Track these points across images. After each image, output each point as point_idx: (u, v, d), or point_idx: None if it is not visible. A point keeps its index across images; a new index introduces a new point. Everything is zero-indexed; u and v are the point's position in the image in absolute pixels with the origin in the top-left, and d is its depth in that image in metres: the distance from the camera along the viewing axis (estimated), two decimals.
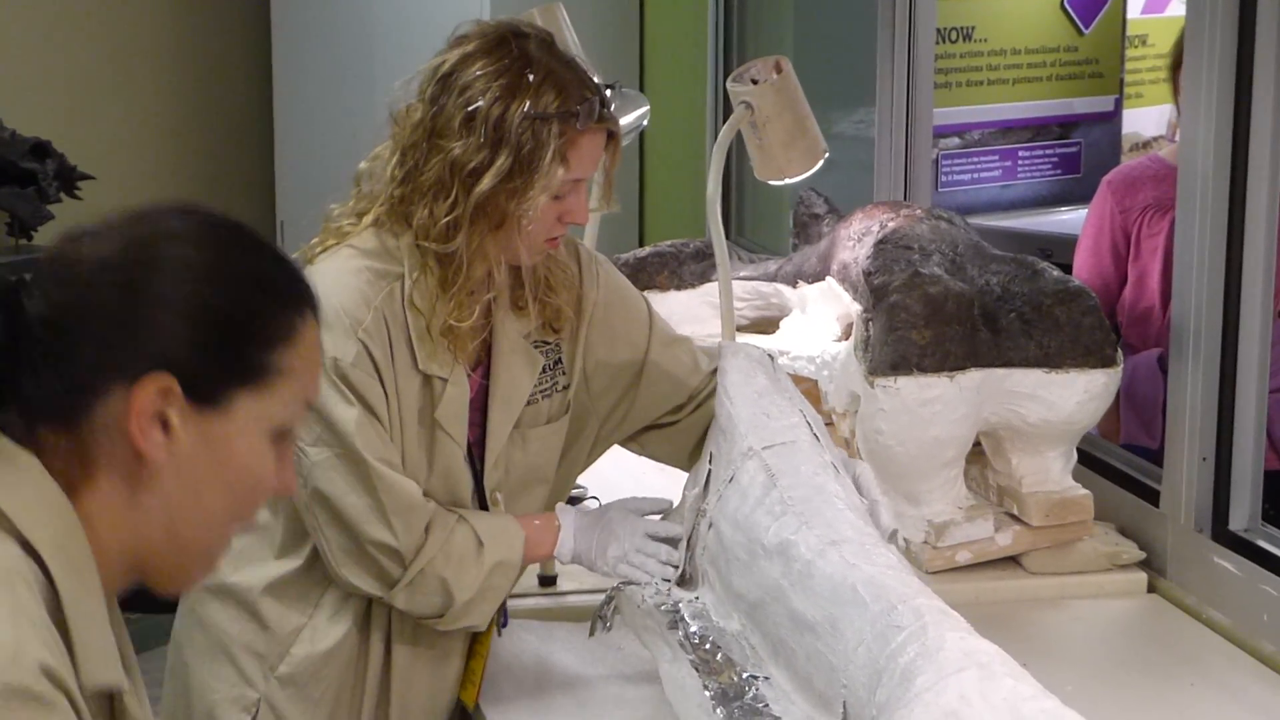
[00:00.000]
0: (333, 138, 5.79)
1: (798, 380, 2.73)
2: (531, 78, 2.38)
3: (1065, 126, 5.42)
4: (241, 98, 6.11)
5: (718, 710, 2.25)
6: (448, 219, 2.47)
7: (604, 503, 2.98)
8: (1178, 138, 3.38)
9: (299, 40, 5.96)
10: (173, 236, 1.49)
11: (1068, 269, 3.55)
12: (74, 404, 1.45)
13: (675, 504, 2.69)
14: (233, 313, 1.48)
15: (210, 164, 6.14)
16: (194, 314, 1.45)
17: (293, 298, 1.55)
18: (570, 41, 3.93)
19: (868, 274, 2.96)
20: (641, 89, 5.01)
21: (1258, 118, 2.73)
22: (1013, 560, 2.94)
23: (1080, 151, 5.45)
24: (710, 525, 2.51)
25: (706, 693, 2.28)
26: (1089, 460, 3.13)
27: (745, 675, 2.30)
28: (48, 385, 1.44)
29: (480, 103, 2.44)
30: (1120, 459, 3.25)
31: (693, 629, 2.40)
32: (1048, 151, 5.40)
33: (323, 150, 5.85)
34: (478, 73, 2.47)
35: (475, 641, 2.59)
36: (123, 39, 5.83)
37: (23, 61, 5.58)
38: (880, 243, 3.04)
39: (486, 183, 2.42)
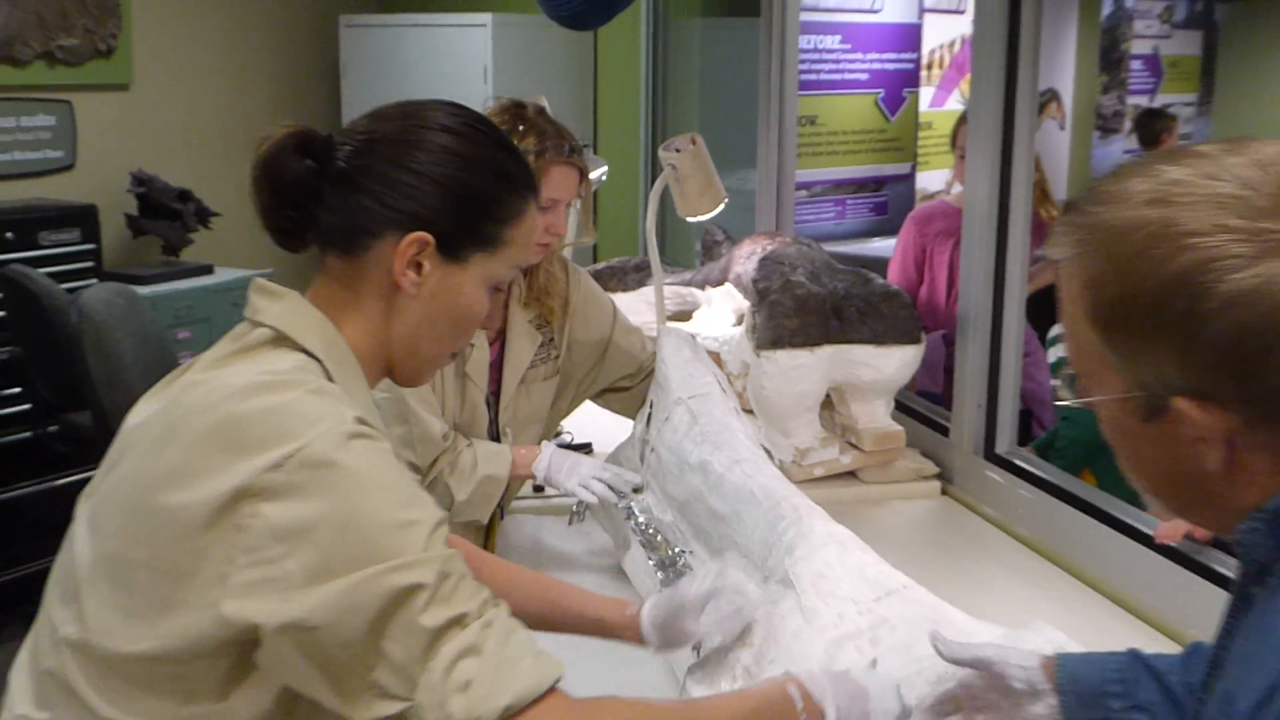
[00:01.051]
0: None
1: (710, 354, 2.79)
2: (522, 128, 2.44)
3: (877, 183, 5.53)
4: None
5: (658, 574, 2.29)
6: None
7: (576, 440, 3.06)
8: (954, 189, 3.46)
9: (360, 102, 5.88)
10: (440, 127, 1.44)
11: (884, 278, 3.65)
12: (355, 240, 1.43)
13: (623, 442, 2.68)
14: (479, 193, 1.44)
15: None
16: (451, 190, 1.42)
17: (523, 187, 1.50)
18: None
19: (755, 281, 3.01)
20: (596, 152, 5.05)
21: (1016, 175, 2.75)
22: (852, 474, 2.99)
23: (888, 200, 5.59)
24: (652, 450, 2.53)
25: (650, 562, 2.33)
26: (902, 406, 3.18)
27: (677, 550, 2.33)
28: (339, 222, 1.42)
29: None
30: (922, 405, 3.29)
31: (641, 520, 2.42)
32: (866, 201, 5.50)
33: None
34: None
35: (487, 530, 2.61)
36: (237, 115, 5.73)
37: (171, 135, 5.50)
38: (763, 260, 3.09)
39: None
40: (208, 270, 5.27)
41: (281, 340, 1.38)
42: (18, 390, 4.49)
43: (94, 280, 4.48)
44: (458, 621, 1.24)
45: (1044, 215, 4.41)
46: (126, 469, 1.35)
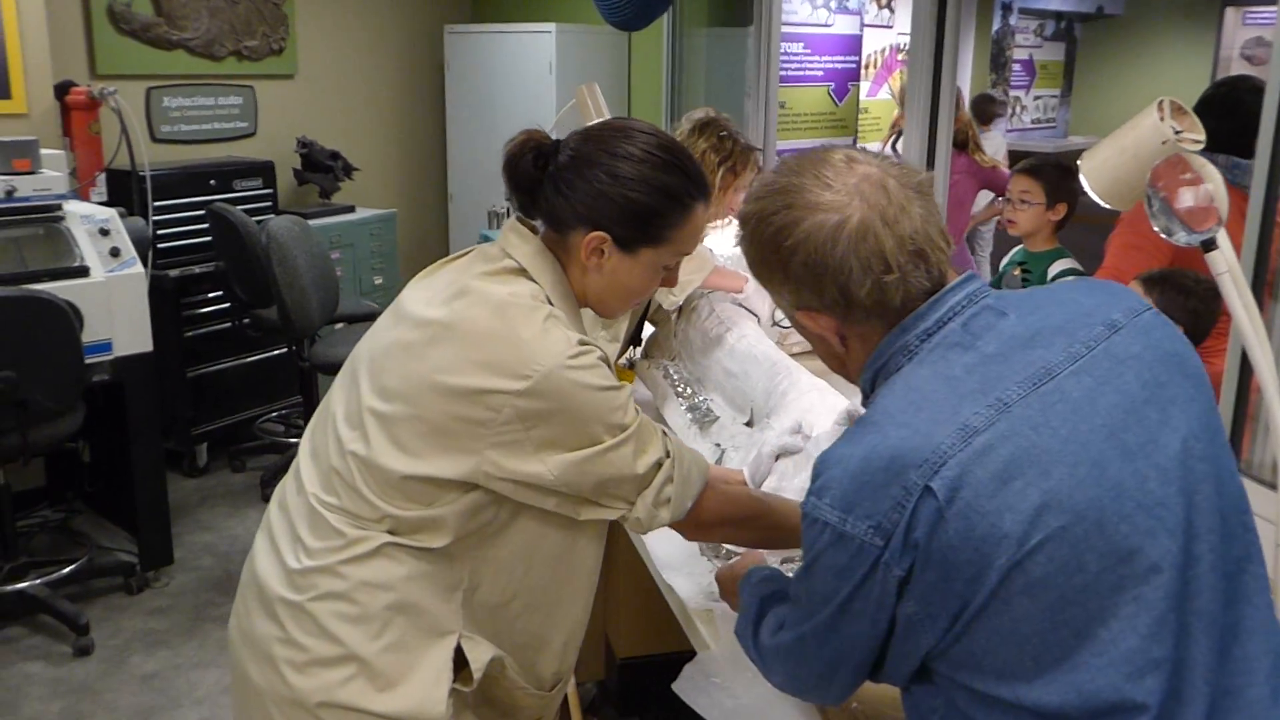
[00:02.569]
0: (477, 145, 5.72)
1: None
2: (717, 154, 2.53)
3: None
4: (430, 123, 6.00)
5: (687, 414, 2.30)
6: None
7: None
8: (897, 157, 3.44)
9: (458, 91, 5.77)
10: (626, 155, 1.36)
11: None
12: (559, 225, 1.39)
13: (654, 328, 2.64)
14: (651, 210, 1.36)
15: (414, 159, 6.00)
16: (627, 209, 1.35)
17: (692, 199, 1.39)
18: (604, 108, 3.90)
19: None
20: None
21: (939, 135, 2.81)
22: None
23: None
24: (682, 330, 2.53)
25: (682, 405, 2.34)
26: None
27: (701, 398, 2.34)
28: (553, 206, 1.38)
29: None
30: None
31: (675, 378, 2.43)
32: None
33: (472, 150, 5.75)
34: None
35: None
36: (370, 97, 5.69)
37: (325, 111, 5.45)
38: None
39: None
40: (351, 209, 5.27)
41: (523, 273, 1.38)
42: (220, 293, 4.54)
43: (272, 215, 4.50)
44: (657, 465, 1.38)
45: (977, 159, 4.41)
46: (410, 343, 1.35)
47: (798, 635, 1.12)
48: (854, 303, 1.08)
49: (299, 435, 4.63)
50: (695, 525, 1.46)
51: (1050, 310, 1.08)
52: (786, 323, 2.97)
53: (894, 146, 7.06)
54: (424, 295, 1.41)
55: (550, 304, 1.36)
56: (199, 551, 3.93)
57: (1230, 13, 7.61)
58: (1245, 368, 1.84)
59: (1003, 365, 1.02)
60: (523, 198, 1.41)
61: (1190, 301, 2.24)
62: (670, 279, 1.46)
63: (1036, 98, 8.30)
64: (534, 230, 1.44)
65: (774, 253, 1.12)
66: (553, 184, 1.38)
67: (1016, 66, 7.98)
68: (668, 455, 1.39)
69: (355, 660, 1.33)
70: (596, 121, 1.48)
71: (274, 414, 4.88)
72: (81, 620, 3.30)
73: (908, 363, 1.07)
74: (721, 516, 1.49)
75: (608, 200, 1.36)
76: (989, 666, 0.97)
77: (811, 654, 1.11)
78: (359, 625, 1.33)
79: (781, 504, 1.57)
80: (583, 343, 1.32)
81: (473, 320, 1.32)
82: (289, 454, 4.49)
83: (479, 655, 1.39)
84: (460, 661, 1.38)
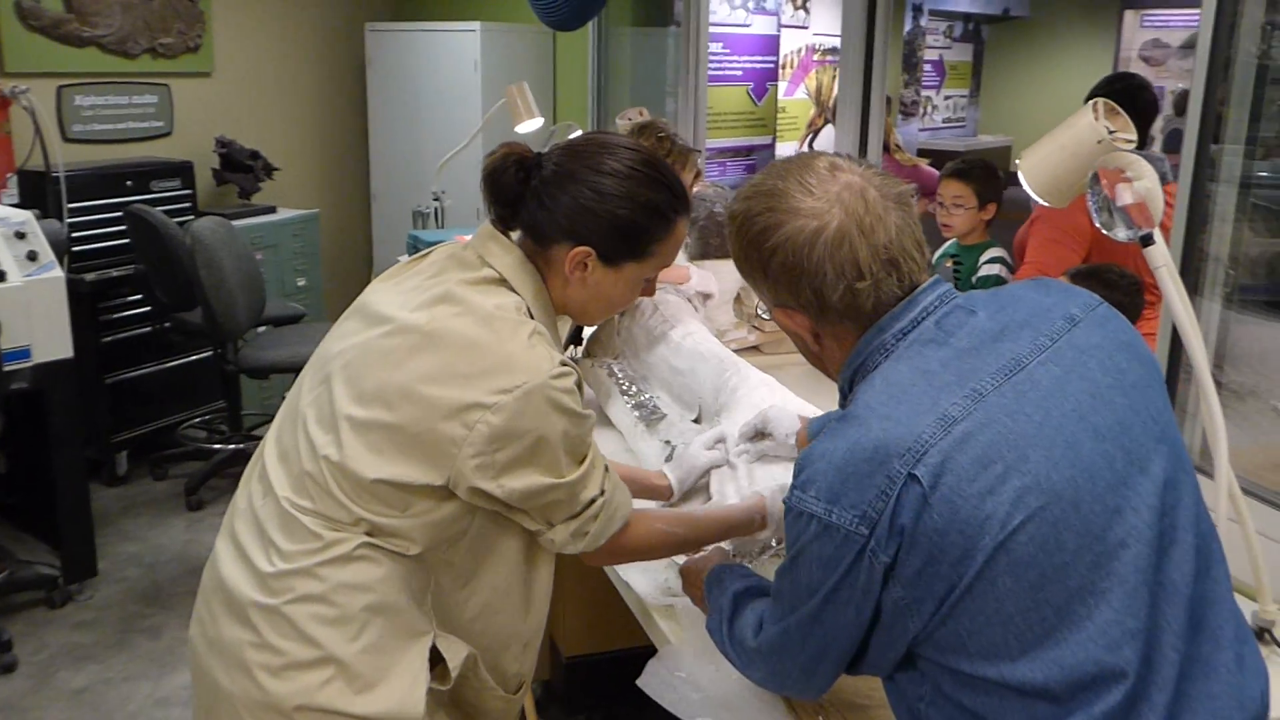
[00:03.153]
0: (401, 144, 5.64)
1: None
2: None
3: (749, 151, 5.51)
4: (352, 122, 5.91)
5: (634, 412, 2.29)
6: None
7: None
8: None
9: (380, 90, 5.68)
10: (610, 172, 1.36)
11: None
12: (542, 237, 1.39)
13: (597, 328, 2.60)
14: (633, 226, 1.37)
15: (336, 158, 5.91)
16: (611, 223, 1.36)
17: (675, 214, 1.41)
18: (534, 107, 3.89)
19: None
20: (554, 119, 5.01)
21: (871, 132, 2.85)
22: (756, 348, 2.93)
23: (755, 164, 5.42)
24: (625, 328, 2.50)
25: (628, 403, 2.33)
26: None
27: (647, 396, 2.34)
28: (535, 219, 1.39)
29: None
30: None
31: (620, 377, 2.41)
32: (740, 163, 5.44)
33: (395, 149, 5.68)
34: None
35: None
36: (291, 96, 5.59)
37: (243, 110, 5.34)
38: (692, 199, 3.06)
39: None
40: (272, 210, 5.18)
41: (504, 283, 1.38)
42: (139, 297, 4.42)
43: (192, 217, 4.39)
44: (591, 501, 1.39)
45: (898, 159, 4.49)
46: (390, 349, 1.35)
47: (782, 629, 1.14)
48: (827, 305, 1.13)
49: (223, 441, 4.56)
50: (607, 553, 1.48)
51: (1014, 308, 1.13)
52: (727, 319, 3.01)
53: (810, 146, 7.17)
54: (396, 299, 1.40)
55: (532, 316, 1.37)
56: (123, 563, 3.82)
57: (1129, 15, 7.87)
58: (1173, 358, 1.92)
59: (976, 358, 1.07)
60: (504, 210, 1.41)
61: (1115, 295, 2.33)
62: (649, 289, 1.47)
63: (947, 97, 8.48)
64: (510, 239, 1.44)
65: (756, 251, 1.16)
66: (536, 198, 1.38)
67: (927, 67, 8.15)
68: (602, 493, 1.41)
69: (333, 662, 1.33)
70: (579, 134, 1.50)
71: (196, 420, 4.76)
72: (4, 636, 3.19)
73: (885, 360, 1.12)
74: (630, 552, 1.52)
75: (592, 215, 1.36)
76: (974, 648, 1.00)
77: (796, 647, 1.14)
78: (337, 627, 1.33)
79: (693, 530, 1.59)
80: (564, 363, 1.33)
81: (458, 331, 1.32)
82: (214, 460, 4.39)
83: (455, 653, 1.40)
84: (435, 659, 1.39)
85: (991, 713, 1.01)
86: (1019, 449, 1.00)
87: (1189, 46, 7.43)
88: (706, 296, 2.63)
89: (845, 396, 1.18)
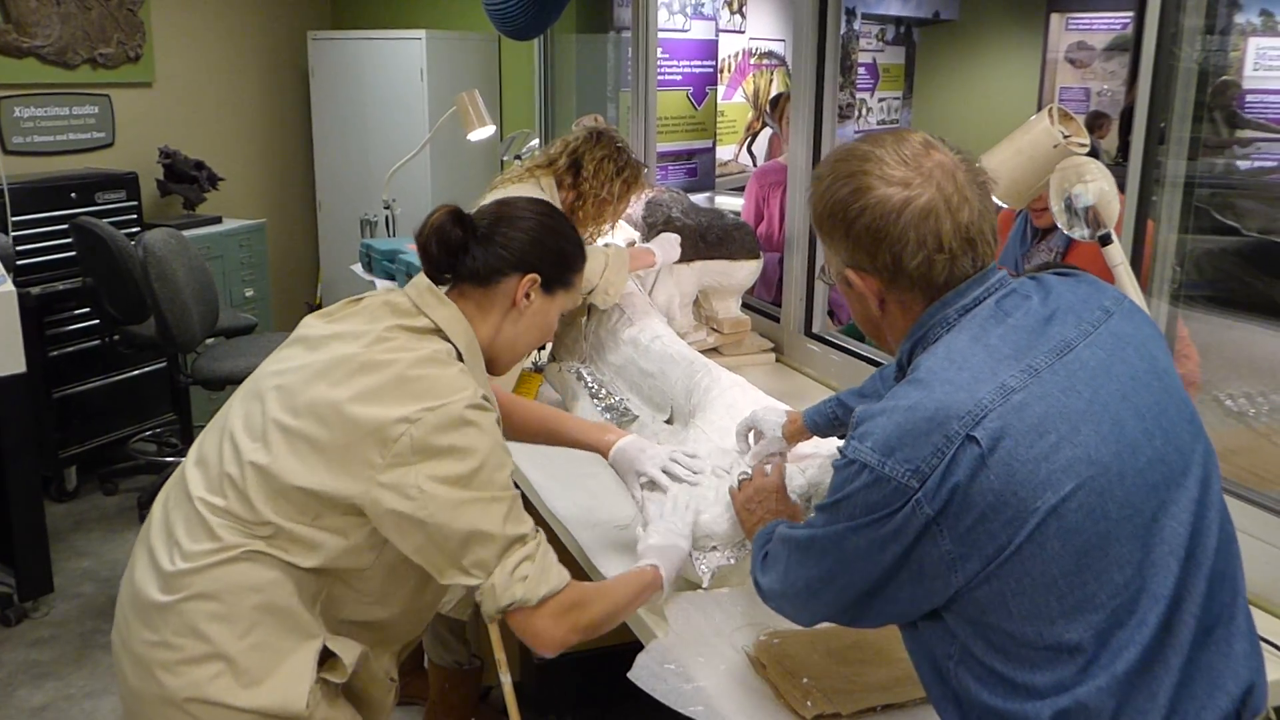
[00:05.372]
0: (347, 152, 5.58)
1: None
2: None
3: (690, 154, 5.57)
4: (296, 130, 5.84)
5: (605, 415, 2.32)
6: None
7: None
8: (785, 153, 3.42)
9: (324, 98, 5.62)
10: (546, 214, 1.61)
11: None
12: (492, 276, 1.56)
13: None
14: (563, 256, 1.61)
15: (281, 168, 5.85)
16: (549, 254, 1.59)
17: (580, 252, 1.65)
18: (485, 114, 3.90)
19: (644, 217, 2.99)
20: (502, 137, 4.99)
21: (824, 141, 2.90)
22: (715, 349, 2.91)
23: (697, 167, 5.50)
24: (593, 332, 2.55)
25: (598, 406, 2.35)
26: (748, 305, 3.12)
27: (617, 398, 2.37)
28: (481, 265, 1.56)
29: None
30: (762, 303, 3.25)
31: (589, 380, 2.44)
32: (682, 166, 5.48)
33: (341, 158, 5.60)
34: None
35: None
36: (233, 105, 5.52)
37: (186, 120, 5.26)
38: (649, 203, 3.01)
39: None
40: (218, 220, 5.12)
41: (439, 333, 1.51)
42: (87, 310, 4.35)
43: (137, 229, 4.33)
44: (522, 538, 1.44)
45: None
46: (325, 371, 1.45)
47: (809, 535, 1.20)
48: (901, 271, 1.17)
49: (174, 454, 4.50)
50: (552, 615, 1.45)
51: (1060, 295, 1.21)
52: (687, 322, 3.04)
53: (749, 149, 7.24)
54: (337, 329, 1.52)
55: (460, 359, 1.50)
56: (78, 578, 3.76)
57: (1055, 18, 8.07)
58: None
59: (1030, 337, 1.14)
60: (447, 261, 1.55)
61: None
62: (550, 334, 1.66)
63: (881, 99, 8.62)
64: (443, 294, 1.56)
65: (842, 210, 1.19)
66: (484, 241, 1.56)
67: (862, 70, 8.28)
68: (534, 535, 1.46)
69: (222, 658, 1.42)
70: (491, 200, 1.68)
71: (146, 433, 4.70)
72: None
73: (946, 333, 1.18)
74: (592, 617, 1.50)
75: (539, 244, 1.57)
76: (1016, 608, 1.07)
77: (813, 559, 1.20)
78: (227, 624, 1.42)
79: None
80: (486, 398, 1.45)
81: (396, 362, 1.43)
82: (165, 473, 4.32)
83: (349, 651, 1.50)
84: (330, 656, 1.48)
85: (1020, 673, 1.08)
86: (1071, 422, 1.08)
87: (1113, 49, 7.65)
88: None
89: (903, 368, 1.22)
